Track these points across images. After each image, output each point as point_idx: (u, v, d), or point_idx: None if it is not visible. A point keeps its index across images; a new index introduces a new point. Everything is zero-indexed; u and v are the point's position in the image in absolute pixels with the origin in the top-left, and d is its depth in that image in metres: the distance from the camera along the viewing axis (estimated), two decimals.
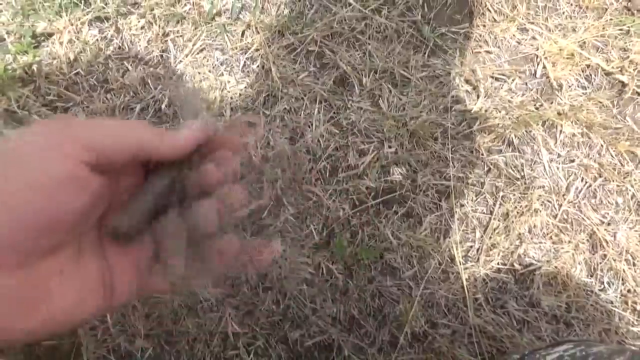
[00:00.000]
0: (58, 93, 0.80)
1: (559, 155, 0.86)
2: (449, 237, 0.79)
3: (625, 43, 0.94)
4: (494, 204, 0.81)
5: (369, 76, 0.88)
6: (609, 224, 0.82)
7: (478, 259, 0.78)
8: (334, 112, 0.85)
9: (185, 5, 0.95)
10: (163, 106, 0.82)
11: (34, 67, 0.82)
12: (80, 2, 0.90)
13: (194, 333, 0.67)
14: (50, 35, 0.87)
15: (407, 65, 0.90)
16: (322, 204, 0.77)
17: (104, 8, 0.91)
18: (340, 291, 0.73)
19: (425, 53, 0.92)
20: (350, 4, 0.95)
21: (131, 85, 0.83)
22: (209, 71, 0.87)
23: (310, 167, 0.80)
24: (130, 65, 0.86)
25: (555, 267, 0.78)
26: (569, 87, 0.92)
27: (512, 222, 0.80)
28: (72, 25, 0.88)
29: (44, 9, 0.88)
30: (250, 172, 0.79)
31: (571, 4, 1.00)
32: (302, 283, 0.72)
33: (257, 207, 0.77)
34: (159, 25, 0.91)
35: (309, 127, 0.83)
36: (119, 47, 0.88)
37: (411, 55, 0.91)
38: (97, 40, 0.88)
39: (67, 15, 0.88)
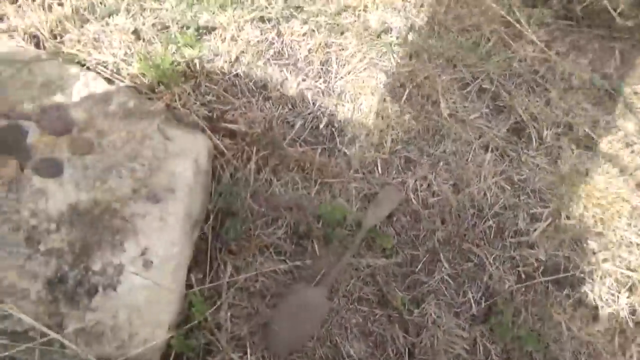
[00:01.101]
0: (217, 94, 0.76)
1: None
2: (626, 339, 0.67)
3: None
4: None
5: (549, 129, 0.77)
6: None
7: None
8: (506, 165, 0.75)
9: (350, 16, 0.88)
10: (321, 125, 0.76)
11: (197, 62, 0.78)
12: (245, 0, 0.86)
13: None
14: (213, 29, 0.83)
15: (594, 124, 0.78)
16: (484, 269, 0.68)
17: (267, 8, 0.86)
18: None
19: (615, 112, 0.79)
20: (532, 42, 0.84)
21: (290, 96, 0.78)
22: (372, 93, 0.79)
23: (473, 223, 0.70)
24: (290, 73, 0.80)
25: None
26: None
27: None
28: (234, 22, 0.84)
29: (208, 1, 0.85)
30: (406, 217, 0.71)
31: None
32: (455, 359, 0.63)
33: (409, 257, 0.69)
34: (322, 34, 0.85)
35: (477, 176, 0.73)
36: (279, 52, 0.83)
37: (598, 113, 0.79)
38: (257, 41, 0.83)
39: (231, 11, 0.84)
